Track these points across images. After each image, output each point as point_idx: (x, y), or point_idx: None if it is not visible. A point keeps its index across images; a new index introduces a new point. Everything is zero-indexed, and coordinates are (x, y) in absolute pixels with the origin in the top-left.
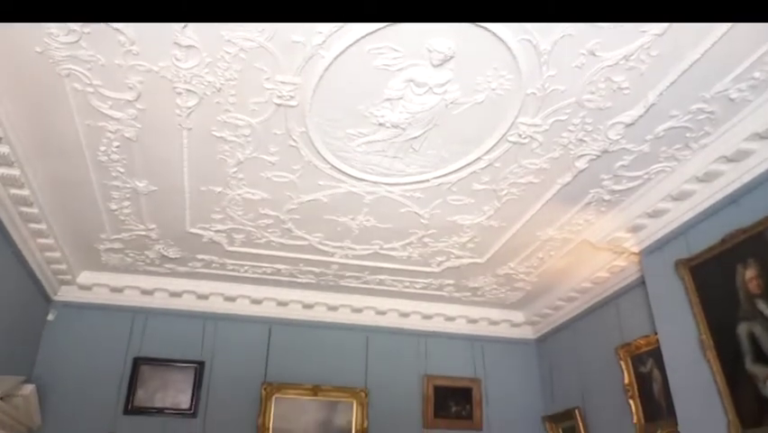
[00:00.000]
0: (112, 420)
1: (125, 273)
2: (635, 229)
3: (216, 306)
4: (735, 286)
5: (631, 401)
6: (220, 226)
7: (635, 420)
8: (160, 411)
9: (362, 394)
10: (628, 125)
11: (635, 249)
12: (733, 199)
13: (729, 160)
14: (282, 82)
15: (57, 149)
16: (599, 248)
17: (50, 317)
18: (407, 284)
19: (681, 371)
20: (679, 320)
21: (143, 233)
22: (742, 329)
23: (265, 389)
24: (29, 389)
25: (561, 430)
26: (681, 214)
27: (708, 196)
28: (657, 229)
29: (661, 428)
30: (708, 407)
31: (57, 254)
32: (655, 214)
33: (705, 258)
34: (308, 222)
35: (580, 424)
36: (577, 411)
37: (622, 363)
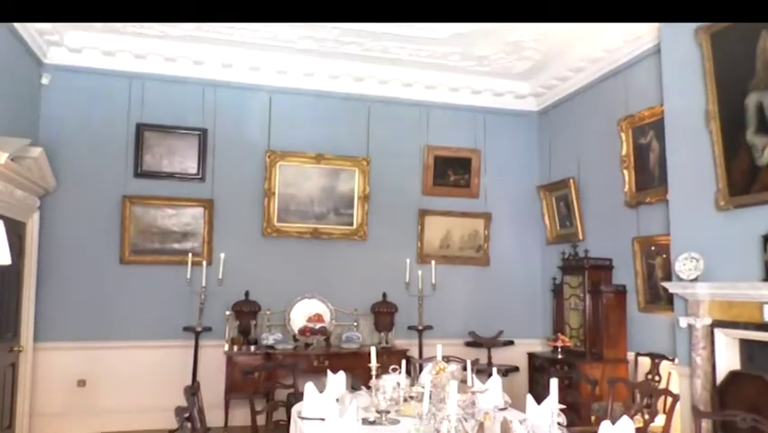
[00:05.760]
0: (123, 183)
1: (115, 34)
2: None
3: (214, 72)
4: (754, 54)
5: (625, 171)
6: None
7: (626, 189)
8: (169, 176)
9: (364, 162)
10: None
11: None
12: None
13: None
14: None
15: None
16: None
17: (45, 80)
18: (411, 52)
19: (680, 140)
20: (688, 90)
21: None
22: (751, 99)
23: (269, 156)
24: (37, 151)
25: (554, 198)
26: None
27: None
28: None
29: (650, 196)
30: (700, 176)
31: None
32: None
33: (728, 24)
34: None
35: (573, 192)
36: (571, 181)
37: (623, 134)
